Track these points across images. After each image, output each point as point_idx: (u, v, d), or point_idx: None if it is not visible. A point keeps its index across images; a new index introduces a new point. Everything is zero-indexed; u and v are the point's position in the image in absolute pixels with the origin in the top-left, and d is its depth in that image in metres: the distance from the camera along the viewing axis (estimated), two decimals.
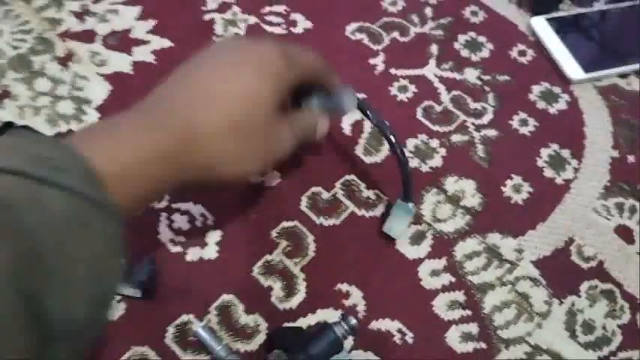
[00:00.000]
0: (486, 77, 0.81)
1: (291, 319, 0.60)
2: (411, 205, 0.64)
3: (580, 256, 0.66)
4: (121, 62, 0.78)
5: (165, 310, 0.60)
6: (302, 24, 0.84)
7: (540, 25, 0.86)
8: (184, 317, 0.60)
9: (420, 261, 0.65)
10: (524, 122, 0.77)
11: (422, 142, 0.74)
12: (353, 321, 0.54)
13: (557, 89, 0.81)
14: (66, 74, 0.76)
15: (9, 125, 0.63)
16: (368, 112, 0.64)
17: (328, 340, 0.54)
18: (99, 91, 0.75)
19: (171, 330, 0.59)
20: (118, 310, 0.59)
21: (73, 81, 0.75)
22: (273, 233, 0.66)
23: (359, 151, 0.73)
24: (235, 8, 0.85)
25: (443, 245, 0.66)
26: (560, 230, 0.68)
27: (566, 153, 0.75)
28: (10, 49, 0.77)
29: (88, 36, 0.80)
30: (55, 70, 0.76)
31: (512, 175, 0.72)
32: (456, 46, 0.84)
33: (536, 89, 0.81)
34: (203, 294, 0.61)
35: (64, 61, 0.77)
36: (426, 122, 0.76)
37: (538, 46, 0.85)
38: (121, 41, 0.80)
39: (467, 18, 0.88)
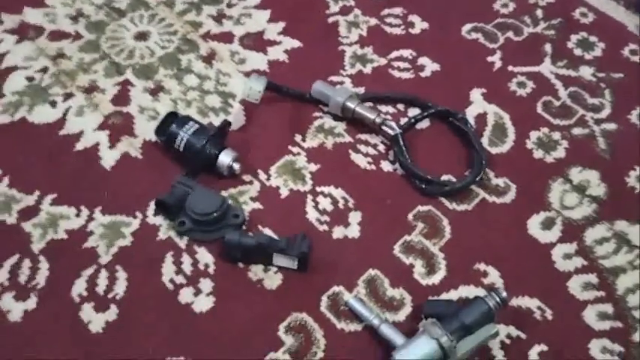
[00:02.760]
0: (601, 74, 0.84)
1: (434, 293, 0.65)
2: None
3: None
4: (257, 60, 0.85)
5: (318, 282, 0.66)
6: (419, 25, 0.90)
7: None
8: (335, 288, 0.65)
9: (551, 245, 0.69)
10: None
11: (544, 134, 0.78)
12: (504, 293, 0.59)
13: None
14: (210, 71, 0.83)
15: (173, 114, 0.71)
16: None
17: (481, 311, 0.58)
18: (240, 86, 0.82)
19: (324, 299, 0.64)
20: (276, 281, 0.65)
21: (218, 77, 0.83)
22: (410, 216, 0.71)
23: (484, 142, 0.77)
24: (356, 10, 0.91)
25: (572, 231, 0.70)
26: None
27: None
28: (159, 49, 0.86)
29: (226, 37, 0.87)
30: (201, 67, 0.84)
31: (636, 167, 0.75)
32: (569, 45, 0.88)
33: None
34: (350, 268, 0.67)
35: (208, 59, 0.85)
36: (547, 116, 0.80)
37: None
38: (256, 42, 0.87)
39: (577, 19, 0.91)
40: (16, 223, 0.69)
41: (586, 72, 0.85)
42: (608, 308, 0.64)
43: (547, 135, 0.78)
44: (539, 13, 0.92)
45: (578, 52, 0.87)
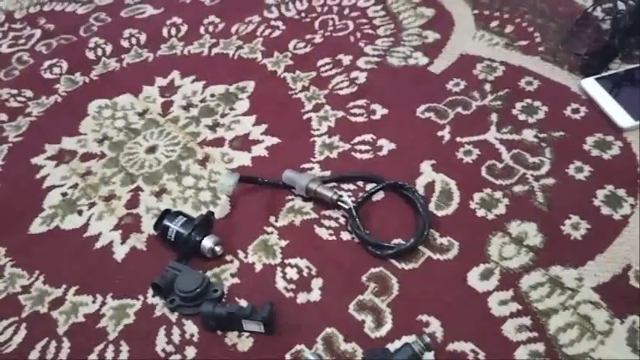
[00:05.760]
0: (543, 135, 0.93)
1: (381, 344, 0.74)
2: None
3: (638, 280, 0.74)
4: (243, 158, 1.01)
5: (283, 342, 0.77)
6: (380, 112, 1.04)
7: (590, 85, 0.98)
8: (297, 347, 0.76)
9: (488, 293, 0.76)
10: (579, 169, 0.88)
11: (487, 194, 0.87)
12: (427, 339, 0.67)
13: (610, 138, 0.91)
14: (204, 172, 1.00)
15: (167, 211, 0.87)
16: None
17: (407, 355, 0.67)
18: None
19: (288, 357, 0.75)
20: (248, 344, 0.77)
21: (210, 176, 0.99)
22: (364, 278, 0.81)
23: (432, 207, 0.87)
24: (327, 106, 1.07)
25: (509, 279, 0.77)
26: (618, 259, 0.76)
27: (621, 192, 0.83)
28: (164, 158, 1.04)
29: (218, 142, 1.05)
30: (197, 169, 1.01)
31: (571, 215, 0.82)
32: (514, 112, 0.98)
33: (590, 140, 0.91)
34: (311, 328, 0.77)
35: (203, 162, 1.02)
36: (490, 178, 0.89)
37: (590, 103, 0.96)
38: (243, 143, 1.04)
39: (522, 87, 1.02)
40: (47, 312, 0.85)
41: (529, 134, 0.94)
42: (540, 347, 0.70)
43: (489, 195, 0.87)
44: (487, 87, 1.03)
45: (522, 117, 0.97)
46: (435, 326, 0.74)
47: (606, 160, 0.88)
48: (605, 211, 0.82)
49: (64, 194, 1.02)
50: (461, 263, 0.80)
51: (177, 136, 1.08)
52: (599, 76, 0.99)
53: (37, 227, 0.97)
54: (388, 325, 0.76)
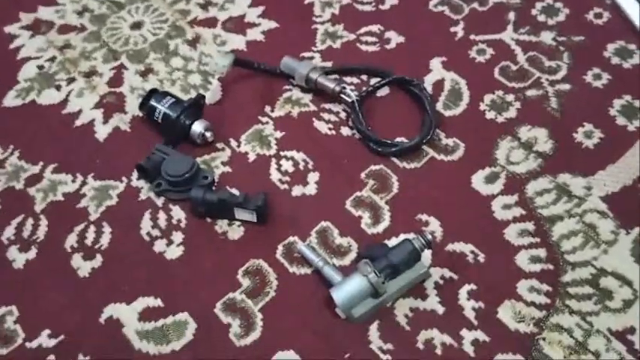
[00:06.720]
0: (562, 38, 0.87)
1: (378, 241, 0.71)
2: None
3: None
4: (237, 41, 0.93)
5: (275, 233, 0.73)
6: (389, 1, 0.95)
7: None
8: (291, 238, 0.73)
9: (492, 197, 0.73)
10: (597, 76, 0.82)
11: (498, 97, 0.82)
12: (428, 236, 0.64)
13: (632, 46, 0.85)
14: (194, 53, 0.92)
15: (154, 91, 0.80)
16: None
17: (407, 251, 0.64)
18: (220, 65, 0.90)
19: (280, 248, 0.72)
20: (238, 233, 0.74)
21: (200, 58, 0.92)
22: (362, 175, 0.77)
23: (439, 106, 0.82)
24: None
25: (515, 184, 0.74)
26: (629, 170, 0.73)
27: (639, 103, 0.79)
28: (150, 36, 0.96)
29: (211, 22, 0.96)
30: (186, 50, 0.93)
31: (584, 123, 0.78)
32: (533, 12, 0.91)
33: (611, 47, 0.85)
34: (305, 221, 0.74)
35: (193, 43, 0.94)
36: (503, 80, 0.84)
37: (614, 9, 0.90)
38: (237, 25, 0.95)
39: None
40: (23, 189, 0.80)
41: (547, 37, 0.88)
42: (542, 252, 0.69)
43: (501, 97, 0.82)
44: None
45: (541, 18, 0.90)
46: (434, 226, 0.72)
47: (626, 69, 0.83)
48: (621, 121, 0.78)
49: (40, 67, 0.93)
50: (466, 165, 0.76)
51: (165, 12, 0.99)
52: None
53: (11, 100, 0.90)
54: (386, 223, 0.73)
